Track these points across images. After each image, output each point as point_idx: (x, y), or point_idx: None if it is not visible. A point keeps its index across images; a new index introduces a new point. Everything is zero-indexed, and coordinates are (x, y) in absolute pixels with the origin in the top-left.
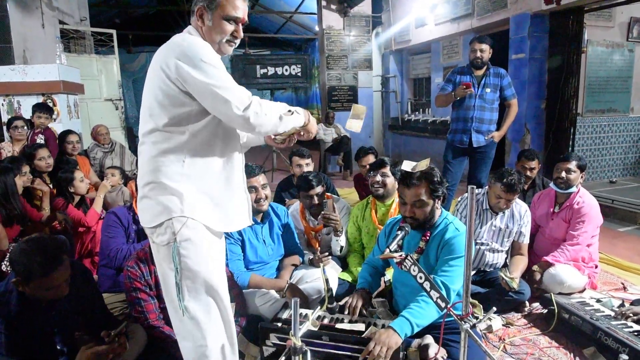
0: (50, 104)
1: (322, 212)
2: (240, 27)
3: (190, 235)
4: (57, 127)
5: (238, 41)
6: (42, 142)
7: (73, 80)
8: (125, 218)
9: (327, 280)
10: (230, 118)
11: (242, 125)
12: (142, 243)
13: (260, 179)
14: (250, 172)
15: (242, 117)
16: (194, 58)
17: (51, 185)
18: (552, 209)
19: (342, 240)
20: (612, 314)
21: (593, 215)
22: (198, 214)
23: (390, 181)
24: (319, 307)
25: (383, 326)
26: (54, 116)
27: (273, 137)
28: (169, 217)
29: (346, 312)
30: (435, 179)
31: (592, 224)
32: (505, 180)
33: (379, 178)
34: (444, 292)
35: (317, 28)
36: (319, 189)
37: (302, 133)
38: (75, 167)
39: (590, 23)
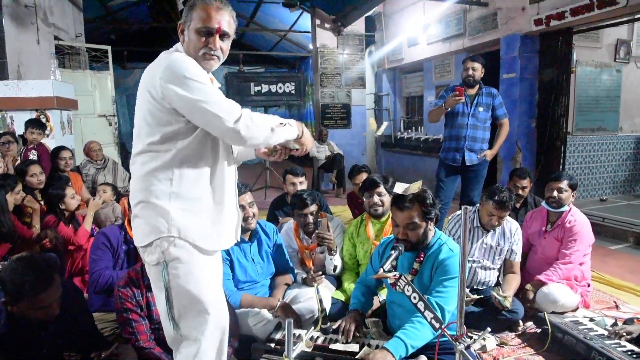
0: (44, 120)
1: (316, 232)
2: (217, 38)
3: (178, 255)
4: (50, 143)
5: (218, 53)
6: (35, 157)
7: (67, 96)
8: (115, 238)
9: (320, 300)
10: (221, 132)
11: (233, 138)
12: (124, 270)
13: (247, 197)
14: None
15: (232, 130)
16: (178, 75)
17: (42, 202)
18: (544, 228)
19: (336, 260)
20: (606, 333)
21: (584, 234)
22: (186, 233)
23: (387, 199)
24: (312, 328)
25: (377, 347)
26: (47, 132)
27: (265, 150)
28: (158, 236)
29: (340, 336)
30: (428, 202)
31: (584, 242)
32: (496, 197)
33: (376, 199)
34: (438, 313)
35: (311, 46)
36: (313, 208)
37: (297, 148)
38: (66, 183)
39: (578, 44)
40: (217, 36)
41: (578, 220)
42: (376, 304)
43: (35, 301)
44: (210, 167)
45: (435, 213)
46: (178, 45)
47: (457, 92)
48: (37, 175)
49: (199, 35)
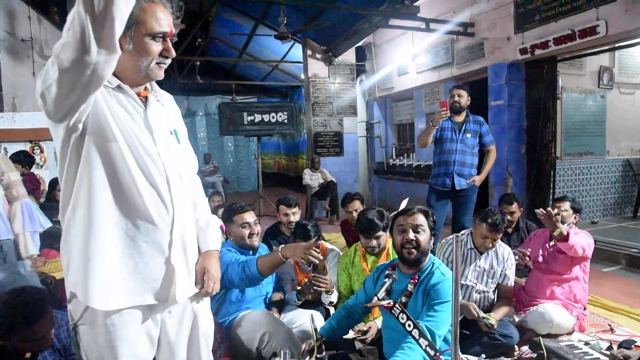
0: (38, 151)
1: (313, 275)
2: (170, 42)
3: (82, 316)
4: (45, 174)
5: (169, 61)
6: None
7: None
8: None
9: (316, 329)
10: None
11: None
12: None
13: (252, 216)
14: (241, 208)
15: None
16: None
17: None
18: (547, 244)
19: (333, 297)
20: (601, 357)
21: (588, 240)
22: (75, 288)
23: (383, 240)
24: (308, 357)
25: None
26: (37, 162)
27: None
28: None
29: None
30: (430, 217)
31: (589, 248)
32: (489, 220)
33: (374, 243)
34: (428, 336)
35: (302, 76)
36: (316, 240)
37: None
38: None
39: (563, 71)
40: (169, 40)
41: (580, 232)
42: (374, 330)
43: (28, 333)
44: (110, 196)
45: (434, 232)
46: None
47: (443, 108)
48: None
49: (149, 42)
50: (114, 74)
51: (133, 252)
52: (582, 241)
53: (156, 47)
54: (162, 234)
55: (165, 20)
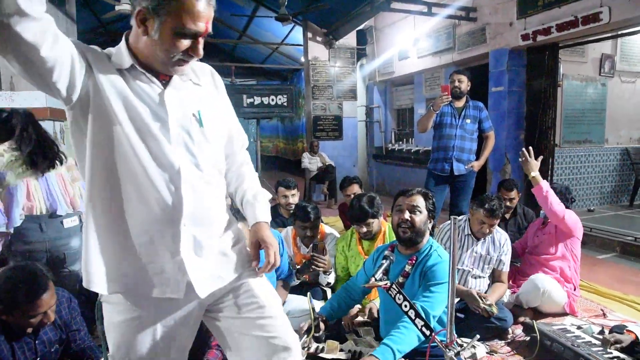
0: None
1: (312, 255)
2: (201, 42)
3: (101, 297)
4: None
5: (194, 60)
6: None
7: (60, 106)
8: None
9: (313, 309)
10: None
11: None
12: None
13: None
14: None
15: None
16: None
17: None
18: (539, 227)
19: (330, 277)
20: (593, 340)
21: (574, 221)
22: (85, 275)
23: (375, 226)
24: (305, 336)
25: (361, 353)
26: None
27: None
28: None
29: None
30: (430, 199)
31: (578, 231)
32: (487, 205)
33: (364, 229)
34: (424, 317)
35: (303, 59)
36: (315, 222)
37: None
38: None
39: (565, 58)
40: (200, 40)
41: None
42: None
43: (30, 308)
44: (114, 182)
45: (433, 215)
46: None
47: (444, 92)
48: None
49: (177, 38)
50: (133, 54)
51: (132, 243)
52: (571, 217)
53: (182, 44)
54: (167, 227)
55: (203, 18)
